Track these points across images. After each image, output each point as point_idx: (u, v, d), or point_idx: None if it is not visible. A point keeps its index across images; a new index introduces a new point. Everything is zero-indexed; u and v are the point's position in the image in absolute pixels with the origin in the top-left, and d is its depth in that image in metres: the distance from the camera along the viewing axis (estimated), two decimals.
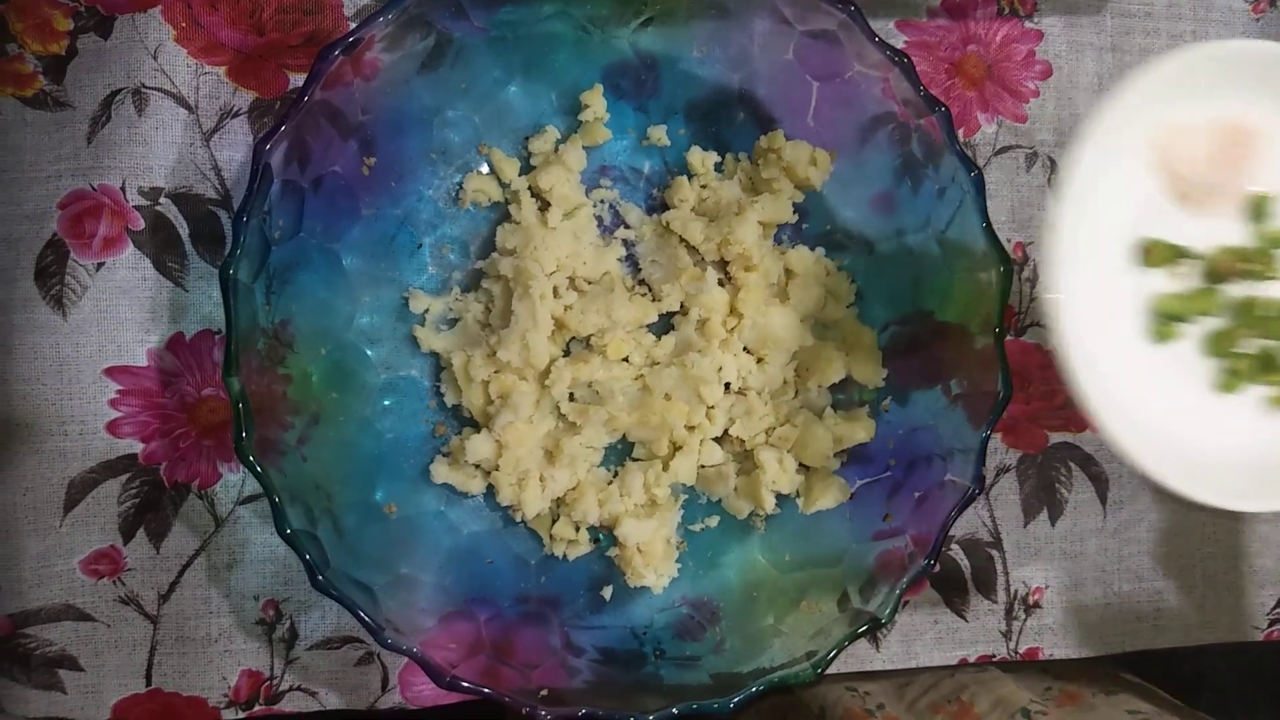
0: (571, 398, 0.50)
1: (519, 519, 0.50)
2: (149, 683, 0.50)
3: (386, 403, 0.50)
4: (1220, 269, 0.36)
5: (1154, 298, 0.37)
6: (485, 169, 0.51)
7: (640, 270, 0.52)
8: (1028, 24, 0.55)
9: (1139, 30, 0.56)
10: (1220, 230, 0.37)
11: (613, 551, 0.50)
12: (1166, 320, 0.37)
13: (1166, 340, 0.37)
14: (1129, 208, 0.37)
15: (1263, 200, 0.36)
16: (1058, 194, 0.35)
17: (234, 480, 0.50)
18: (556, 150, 0.50)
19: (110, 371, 0.50)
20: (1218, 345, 0.37)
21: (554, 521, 0.50)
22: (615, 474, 0.51)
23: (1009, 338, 0.55)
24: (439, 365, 0.51)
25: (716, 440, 0.51)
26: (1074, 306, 0.35)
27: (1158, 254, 0.36)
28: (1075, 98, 0.56)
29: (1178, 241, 0.36)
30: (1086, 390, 0.35)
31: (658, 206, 0.52)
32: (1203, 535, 0.57)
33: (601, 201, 0.52)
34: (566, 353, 0.51)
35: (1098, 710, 0.53)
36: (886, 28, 0.54)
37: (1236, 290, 0.37)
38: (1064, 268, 0.35)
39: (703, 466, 0.51)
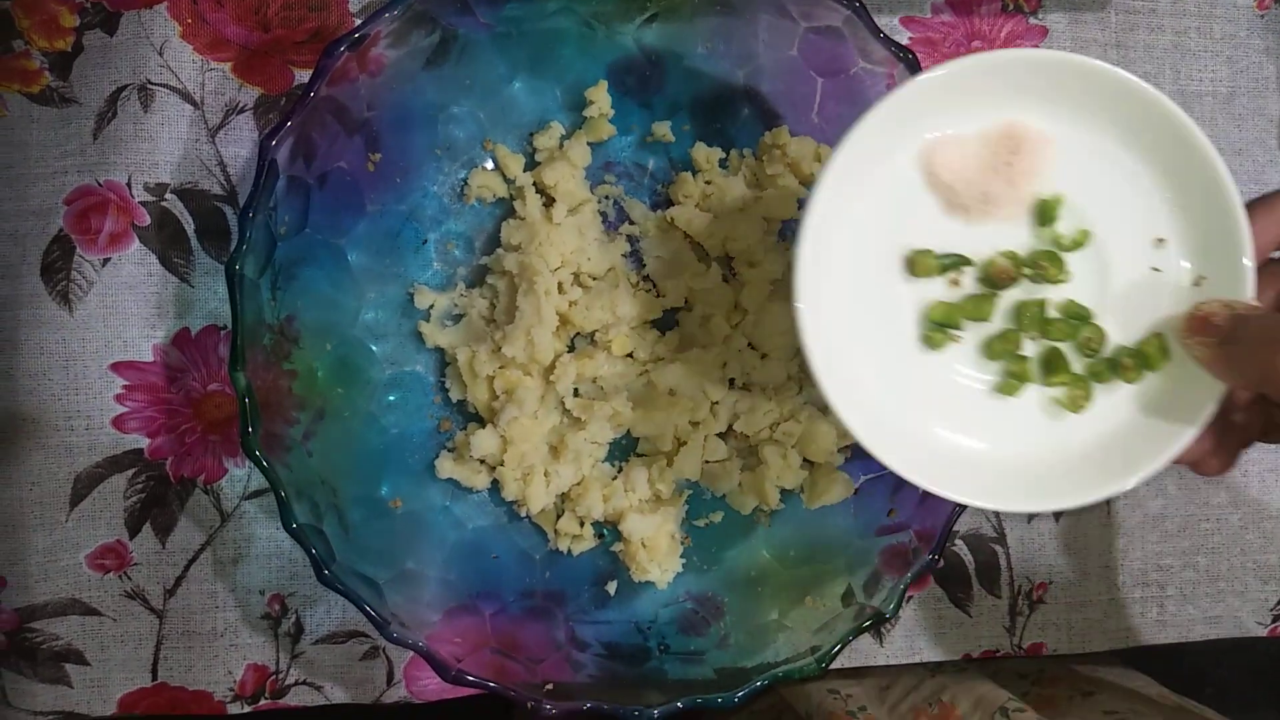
0: (576, 393, 0.50)
1: (524, 514, 0.50)
2: (155, 677, 0.50)
3: (391, 398, 0.50)
4: (997, 275, 0.37)
5: (926, 306, 0.37)
6: (490, 165, 0.51)
7: (644, 266, 0.52)
8: (1032, 20, 0.55)
9: (1143, 27, 0.56)
10: (1008, 236, 0.37)
11: (617, 547, 0.50)
12: (938, 327, 0.37)
13: (939, 347, 0.37)
14: (902, 219, 0.37)
15: (1048, 204, 0.37)
16: (807, 209, 0.35)
17: (239, 475, 0.51)
18: (561, 146, 0.50)
19: (116, 367, 0.50)
20: (996, 348, 0.37)
21: (559, 517, 0.50)
22: (620, 469, 0.51)
23: None
24: (444, 361, 0.51)
25: (720, 436, 0.51)
26: (823, 318, 0.36)
27: (923, 264, 0.37)
28: None
29: (958, 250, 0.37)
30: (833, 397, 0.36)
31: (662, 202, 0.52)
32: (1205, 532, 0.57)
33: (606, 197, 0.52)
34: (571, 348, 0.51)
35: (1072, 714, 0.54)
36: (891, 24, 0.54)
37: (1021, 294, 0.37)
38: (815, 280, 0.36)
39: (707, 462, 0.51)
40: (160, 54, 0.50)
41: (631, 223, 0.52)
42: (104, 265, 0.49)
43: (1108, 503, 0.57)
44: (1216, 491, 0.58)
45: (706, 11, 0.48)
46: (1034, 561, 0.56)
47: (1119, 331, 0.37)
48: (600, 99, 0.50)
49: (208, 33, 0.50)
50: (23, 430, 0.49)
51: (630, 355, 0.50)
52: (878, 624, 0.46)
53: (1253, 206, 0.35)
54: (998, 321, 0.37)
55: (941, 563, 0.54)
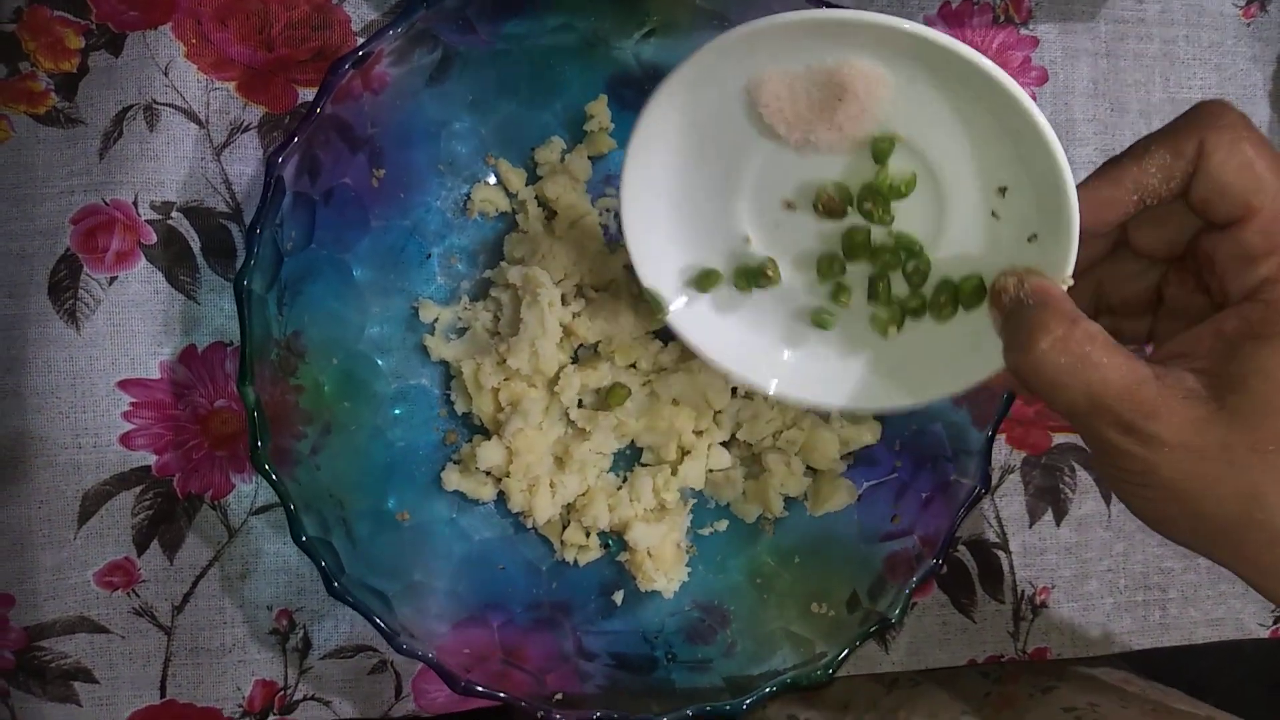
0: (580, 404, 0.50)
1: (530, 525, 0.50)
2: (163, 694, 0.50)
3: (397, 411, 0.50)
4: (825, 204, 0.38)
5: (747, 237, 0.41)
6: (492, 179, 0.51)
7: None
8: (1023, 31, 0.56)
9: (1132, 36, 0.57)
10: (844, 168, 0.38)
11: (623, 556, 0.50)
12: (743, 277, 0.41)
13: (746, 291, 0.41)
14: (735, 151, 0.39)
15: (881, 144, 0.37)
16: (630, 141, 0.38)
17: (246, 491, 0.51)
18: (562, 160, 0.51)
19: (123, 384, 0.50)
20: (824, 269, 0.40)
21: (564, 527, 0.51)
22: (624, 479, 0.51)
23: None
24: (449, 374, 0.51)
25: (724, 444, 0.52)
26: (654, 255, 0.41)
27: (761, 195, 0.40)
28: (1071, 103, 0.56)
29: (791, 179, 0.39)
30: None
31: None
32: None
33: (607, 210, 0.52)
34: (574, 359, 0.51)
35: (1031, 712, 0.54)
36: None
37: (858, 220, 0.39)
38: (640, 215, 0.40)
39: (711, 471, 0.51)
40: (165, 74, 0.50)
41: None
42: (111, 283, 0.50)
43: (1108, 507, 0.57)
44: None
45: (703, 26, 0.49)
46: (1036, 566, 0.56)
47: (948, 267, 0.38)
48: (600, 113, 0.51)
49: (212, 53, 0.50)
50: (30, 448, 0.49)
51: (633, 365, 0.51)
52: (883, 630, 0.46)
53: (1097, 175, 0.35)
54: (824, 244, 0.40)
55: (945, 568, 0.55)
